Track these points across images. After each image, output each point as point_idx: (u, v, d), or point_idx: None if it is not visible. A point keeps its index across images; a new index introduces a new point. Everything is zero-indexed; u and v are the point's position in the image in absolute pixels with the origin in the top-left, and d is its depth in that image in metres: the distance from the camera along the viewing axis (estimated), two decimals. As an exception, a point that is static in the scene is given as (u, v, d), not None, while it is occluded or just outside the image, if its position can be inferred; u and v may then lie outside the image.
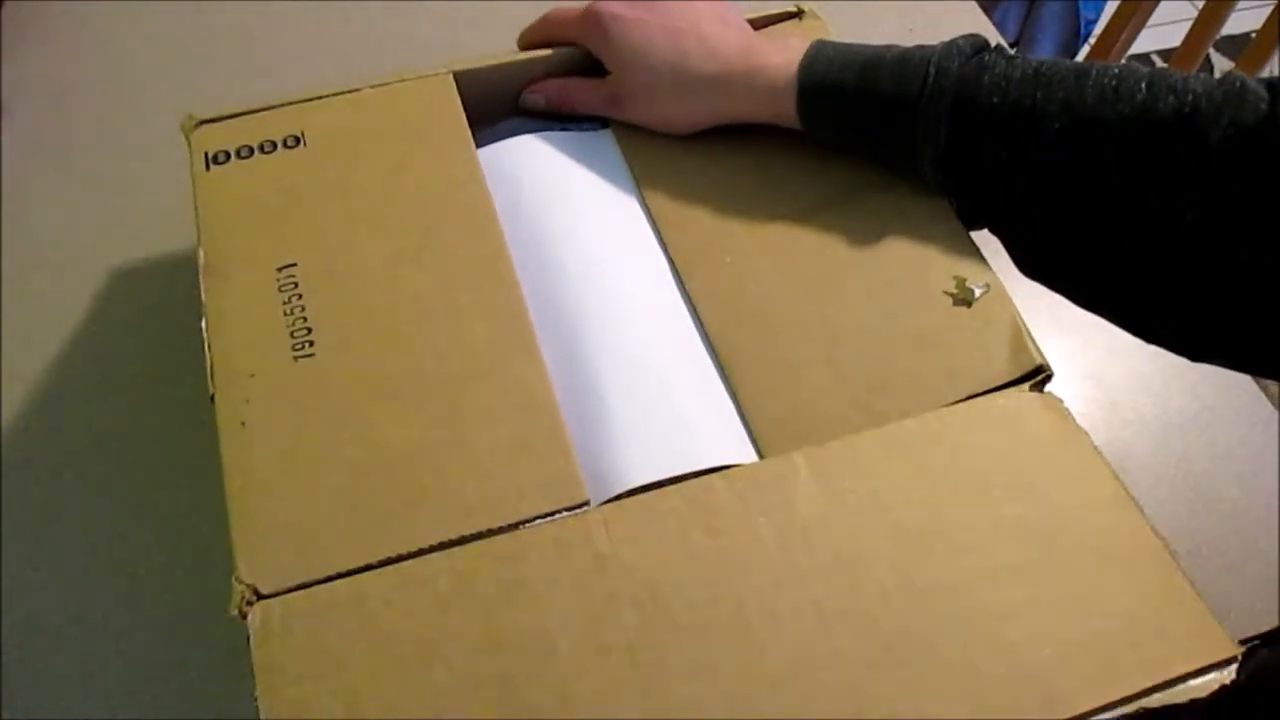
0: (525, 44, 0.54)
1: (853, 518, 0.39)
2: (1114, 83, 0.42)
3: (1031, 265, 0.47)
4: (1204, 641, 0.37)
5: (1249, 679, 0.36)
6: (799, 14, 0.55)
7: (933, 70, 0.44)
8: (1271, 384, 0.61)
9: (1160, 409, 0.58)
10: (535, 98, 0.53)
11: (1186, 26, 1.13)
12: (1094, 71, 0.42)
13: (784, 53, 0.48)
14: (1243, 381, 0.60)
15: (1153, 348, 0.46)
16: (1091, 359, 0.59)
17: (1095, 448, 0.41)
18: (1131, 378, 0.58)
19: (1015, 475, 0.40)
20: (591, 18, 0.50)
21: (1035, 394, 0.42)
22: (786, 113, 0.48)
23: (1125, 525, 0.39)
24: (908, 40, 0.47)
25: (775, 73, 0.47)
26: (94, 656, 0.47)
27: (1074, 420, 0.41)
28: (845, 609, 0.37)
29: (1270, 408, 0.59)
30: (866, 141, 0.47)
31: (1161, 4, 1.14)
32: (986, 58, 0.45)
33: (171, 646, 0.47)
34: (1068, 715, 0.35)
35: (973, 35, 0.46)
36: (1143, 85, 0.41)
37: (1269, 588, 0.52)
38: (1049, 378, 0.42)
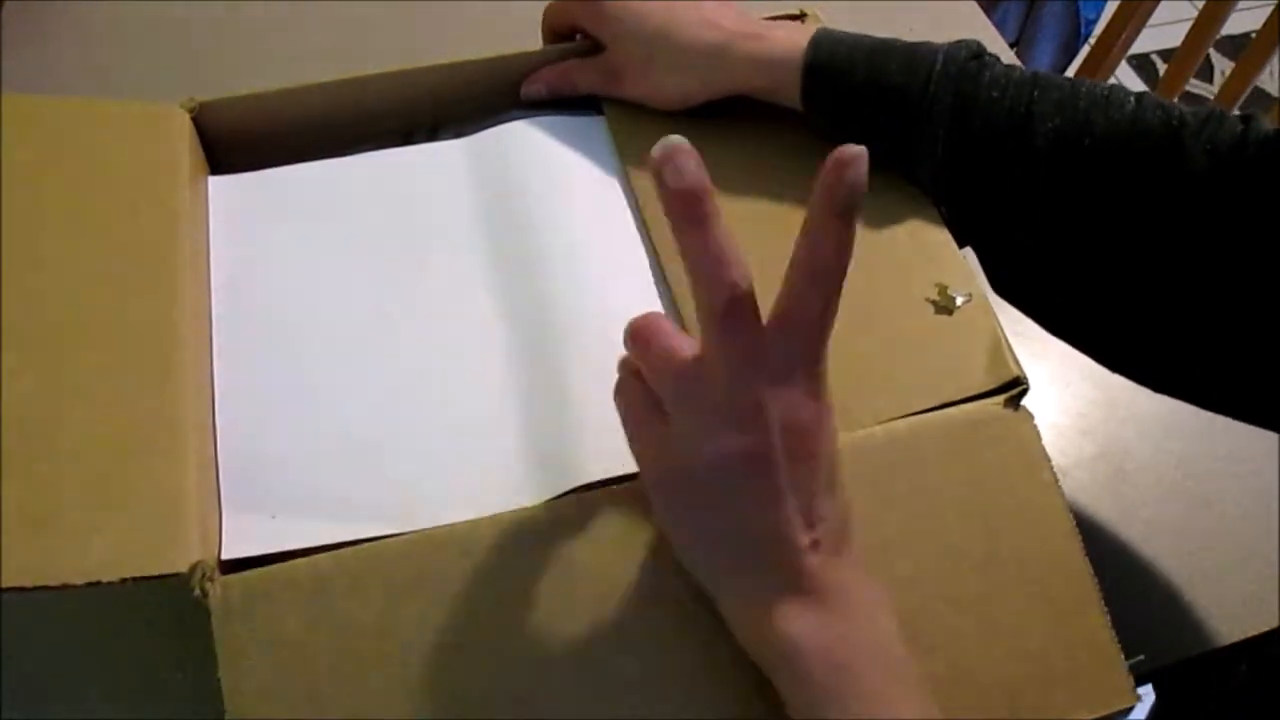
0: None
1: None
2: (1105, 93, 0.44)
3: (1009, 283, 0.47)
4: (1108, 691, 0.38)
5: (1255, 675, 0.36)
6: (801, 16, 0.55)
7: (940, 61, 0.45)
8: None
9: (1160, 409, 0.58)
10: (536, 87, 0.53)
11: (1186, 26, 1.13)
12: (1086, 83, 0.45)
13: (787, 31, 0.49)
14: (1243, 382, 0.60)
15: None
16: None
17: (1054, 476, 0.41)
18: (1132, 378, 0.58)
19: (971, 503, 0.40)
20: None
21: (1008, 410, 0.42)
22: (787, 85, 0.48)
23: (1065, 565, 0.40)
24: (908, 40, 0.47)
25: (779, 46, 0.48)
26: (94, 655, 0.47)
27: (1041, 443, 0.42)
28: None
29: (1270, 408, 0.58)
30: (867, 126, 0.47)
31: (1161, 4, 1.14)
32: (986, 59, 0.46)
33: (173, 644, 0.46)
34: None
35: (972, 39, 0.47)
36: (1131, 99, 0.43)
37: (1269, 588, 0.52)
38: (1025, 390, 0.42)
